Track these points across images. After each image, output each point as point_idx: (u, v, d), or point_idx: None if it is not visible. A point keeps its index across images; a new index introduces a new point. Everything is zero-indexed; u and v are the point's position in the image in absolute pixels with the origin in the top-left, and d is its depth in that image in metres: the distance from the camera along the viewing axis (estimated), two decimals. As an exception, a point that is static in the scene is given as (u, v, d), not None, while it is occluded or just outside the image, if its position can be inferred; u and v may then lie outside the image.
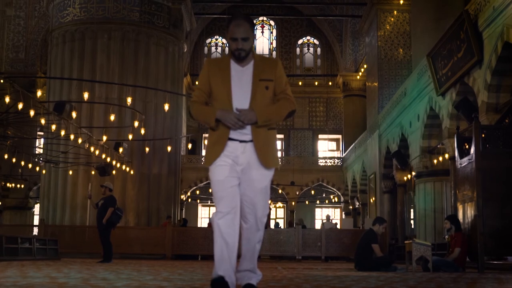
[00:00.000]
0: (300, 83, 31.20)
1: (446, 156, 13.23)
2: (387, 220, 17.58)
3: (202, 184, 28.50)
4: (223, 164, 2.87)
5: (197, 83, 3.00)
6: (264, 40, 32.37)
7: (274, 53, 32.15)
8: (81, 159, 14.80)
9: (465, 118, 10.76)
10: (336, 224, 19.89)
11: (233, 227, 2.87)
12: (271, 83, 2.94)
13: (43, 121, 11.13)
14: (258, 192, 2.93)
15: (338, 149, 31.45)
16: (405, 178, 17.02)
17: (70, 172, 15.54)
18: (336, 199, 29.28)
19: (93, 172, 14.88)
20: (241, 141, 2.89)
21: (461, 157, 7.74)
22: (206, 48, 32.05)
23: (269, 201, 2.81)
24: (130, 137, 13.59)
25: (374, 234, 7.92)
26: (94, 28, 16.16)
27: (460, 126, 9.64)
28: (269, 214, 27.17)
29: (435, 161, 14.16)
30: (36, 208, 23.60)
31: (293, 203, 29.25)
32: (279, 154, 31.76)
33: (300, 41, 32.14)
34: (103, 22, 16.17)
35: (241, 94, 2.91)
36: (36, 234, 14.65)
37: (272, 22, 32.39)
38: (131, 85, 14.98)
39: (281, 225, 29.08)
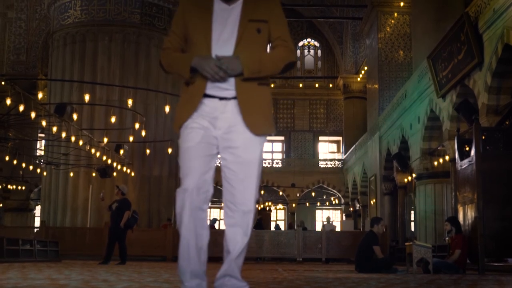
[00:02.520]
0: (300, 85, 31.23)
1: (447, 158, 13.23)
2: (388, 222, 17.63)
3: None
4: (196, 126, 2.25)
5: None
6: (264, 42, 32.39)
7: (274, 55, 32.15)
8: (82, 161, 14.83)
9: (466, 120, 10.77)
10: (335, 226, 19.88)
11: (202, 213, 2.24)
12: (265, 25, 2.28)
13: (44, 123, 11.16)
14: (242, 165, 2.24)
15: (338, 151, 31.46)
16: (406, 180, 17.03)
17: (71, 174, 15.56)
18: (336, 201, 29.29)
19: (94, 174, 14.90)
20: (221, 98, 2.26)
21: (462, 159, 7.74)
22: (206, 50, 32.06)
23: (261, 190, 2.11)
24: (131, 139, 13.61)
25: (374, 236, 7.92)
26: (95, 30, 16.19)
27: (461, 128, 9.65)
28: (269, 215, 27.30)
29: (435, 163, 14.17)
30: (37, 210, 23.62)
31: (293, 205, 29.25)
32: (279, 155, 32.06)
33: (300, 43, 32.18)
34: (104, 24, 16.20)
35: (225, 39, 2.26)
36: (35, 233, 14.65)
37: (272, 24, 32.42)
38: (132, 87, 15.02)
39: (282, 227, 29.05)
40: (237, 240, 2.26)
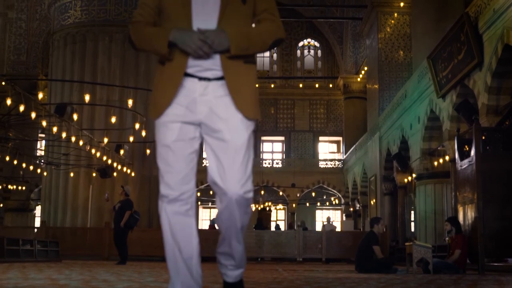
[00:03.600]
0: (300, 85, 31.23)
1: (447, 158, 13.24)
2: (388, 222, 17.64)
3: (203, 186, 28.49)
4: (173, 120, 1.98)
5: None
6: (264, 42, 32.39)
7: (274, 55, 32.20)
8: (82, 161, 14.84)
9: (466, 120, 10.77)
10: (335, 227, 19.88)
11: (188, 220, 2.01)
12: None
13: (44, 123, 11.17)
14: (228, 149, 1.96)
15: (338, 151, 31.46)
16: (406, 180, 17.03)
17: (71, 174, 15.57)
18: (336, 201, 29.30)
19: (94, 174, 14.91)
20: (200, 79, 1.98)
21: (462, 159, 7.75)
22: (207, 50, 32.06)
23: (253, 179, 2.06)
24: (131, 139, 13.62)
25: (374, 235, 7.93)
26: (95, 31, 16.20)
27: (461, 128, 9.65)
28: (269, 215, 27.41)
29: (435, 163, 14.17)
30: (38, 210, 23.62)
31: (293, 205, 29.26)
32: (279, 156, 32.05)
33: (300, 44, 32.18)
34: (104, 24, 16.21)
35: (206, 11, 1.98)
36: (36, 233, 14.67)
37: (272, 24, 32.42)
38: (132, 87, 15.02)
39: (282, 227, 29.06)
40: (234, 218, 2.00)
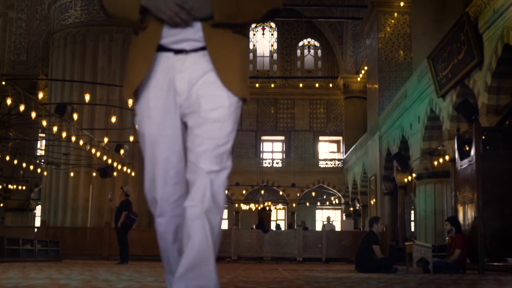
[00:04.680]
0: (300, 85, 31.24)
1: (447, 158, 13.24)
2: (388, 222, 17.64)
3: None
4: (154, 97, 1.72)
5: None
6: (265, 42, 32.42)
7: (275, 55, 32.20)
8: (82, 161, 14.84)
9: (466, 120, 10.78)
10: (334, 226, 19.89)
11: (180, 217, 1.79)
12: None
13: (44, 123, 11.18)
14: (207, 124, 1.70)
15: (338, 151, 31.47)
16: (406, 179, 17.04)
17: (72, 174, 15.57)
18: (336, 200, 29.30)
19: (94, 174, 14.92)
20: (177, 52, 1.70)
21: (462, 159, 7.75)
22: (207, 50, 32.06)
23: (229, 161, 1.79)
24: (131, 138, 13.62)
25: (374, 235, 7.93)
26: (96, 30, 16.21)
27: (461, 128, 9.66)
28: (269, 214, 27.53)
29: (435, 162, 14.18)
30: (38, 210, 23.64)
31: (293, 204, 29.26)
32: (279, 155, 32.06)
33: (300, 43, 32.18)
34: (104, 24, 16.21)
35: None
36: (36, 233, 14.68)
37: (273, 24, 32.45)
38: (132, 87, 15.02)
39: (282, 227, 29.09)
40: (200, 221, 1.64)
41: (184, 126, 1.77)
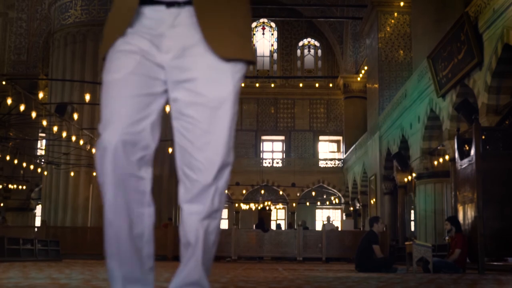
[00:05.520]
0: (300, 84, 31.24)
1: (447, 157, 13.25)
2: (388, 222, 17.65)
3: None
4: (128, 49, 1.45)
5: None
6: (265, 42, 32.43)
7: (275, 54, 32.20)
8: (83, 160, 14.85)
9: (466, 120, 10.79)
10: (334, 226, 19.89)
11: (138, 183, 1.43)
12: None
13: (44, 123, 11.19)
14: (205, 107, 1.43)
15: (338, 150, 31.48)
16: (406, 179, 17.05)
17: (72, 174, 15.59)
18: (336, 200, 29.31)
19: (94, 174, 14.93)
20: (168, 5, 1.46)
21: (462, 158, 7.76)
22: (207, 50, 32.08)
23: (230, 148, 1.47)
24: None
25: (374, 235, 7.94)
26: (96, 30, 16.21)
27: (461, 127, 9.67)
28: (269, 214, 27.58)
29: (435, 162, 14.18)
30: (38, 210, 23.65)
31: (293, 204, 29.27)
32: (279, 155, 32.10)
33: (300, 43, 32.19)
34: (104, 24, 16.22)
35: None
36: (36, 233, 14.69)
37: (273, 24, 32.45)
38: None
39: (282, 226, 29.11)
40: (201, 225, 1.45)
41: (159, 85, 1.46)
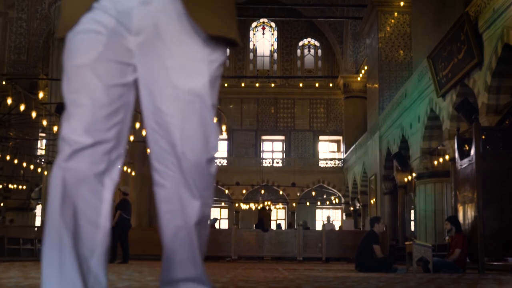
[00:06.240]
0: (300, 84, 31.24)
1: (447, 157, 13.25)
2: (388, 221, 17.65)
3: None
4: (93, 29, 1.25)
5: None
6: (265, 41, 32.43)
7: (275, 54, 32.20)
8: (83, 160, 14.84)
9: (466, 120, 10.79)
10: (334, 226, 19.91)
11: (96, 190, 1.25)
12: None
13: (45, 123, 11.19)
14: (179, 99, 1.25)
15: (338, 150, 31.48)
16: (406, 179, 17.05)
17: (72, 174, 15.58)
18: (336, 200, 29.32)
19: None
20: None
21: (462, 158, 7.76)
22: (207, 50, 32.09)
23: (216, 136, 1.32)
24: (132, 138, 13.62)
25: (375, 235, 7.95)
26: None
27: (461, 127, 9.66)
28: (269, 214, 27.75)
29: (435, 162, 14.18)
30: (38, 209, 23.66)
31: (293, 204, 29.27)
32: (279, 155, 32.11)
33: (300, 43, 32.19)
34: None
35: None
36: (36, 232, 14.70)
37: (273, 24, 32.46)
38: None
39: (282, 226, 29.10)
40: (189, 206, 1.27)
41: (130, 71, 1.28)
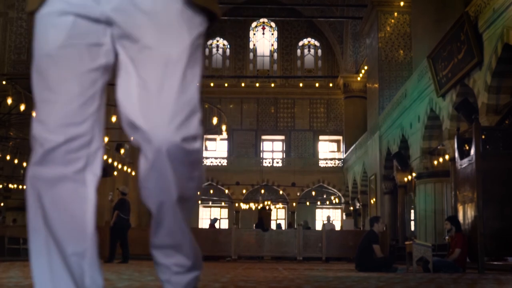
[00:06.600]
0: (301, 84, 31.25)
1: (447, 157, 13.25)
2: (388, 221, 17.66)
3: (203, 185, 28.47)
4: (61, 10, 1.15)
5: None
6: (265, 41, 32.43)
7: (275, 54, 32.21)
8: (83, 160, 14.85)
9: (465, 120, 10.79)
10: (334, 226, 19.93)
11: (76, 190, 1.17)
12: None
13: (45, 123, 11.18)
14: (152, 68, 1.15)
15: (338, 150, 31.49)
16: (406, 179, 17.05)
17: (72, 173, 15.59)
18: (336, 200, 29.32)
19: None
20: None
21: (461, 158, 7.76)
22: (207, 50, 32.12)
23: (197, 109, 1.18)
24: (132, 138, 13.62)
25: (375, 234, 7.95)
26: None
27: (461, 127, 9.67)
28: (269, 214, 27.79)
29: (435, 162, 14.19)
30: (38, 209, 23.62)
31: (294, 204, 29.28)
32: (279, 155, 32.10)
33: (300, 43, 32.20)
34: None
35: None
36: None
37: (273, 24, 32.46)
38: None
39: (283, 226, 29.10)
40: (166, 183, 1.17)
41: (109, 51, 1.20)
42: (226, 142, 30.44)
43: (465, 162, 7.60)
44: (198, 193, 1.28)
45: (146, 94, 1.14)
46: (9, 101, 9.63)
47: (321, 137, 31.41)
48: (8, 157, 14.67)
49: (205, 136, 30.33)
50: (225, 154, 30.51)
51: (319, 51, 32.09)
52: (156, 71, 1.14)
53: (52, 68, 1.15)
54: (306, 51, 32.21)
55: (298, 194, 29.04)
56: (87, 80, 1.17)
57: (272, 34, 32.54)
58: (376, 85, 19.97)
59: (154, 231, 1.24)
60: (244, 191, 28.89)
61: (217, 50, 32.38)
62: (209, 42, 32.15)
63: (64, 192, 1.16)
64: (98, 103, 1.20)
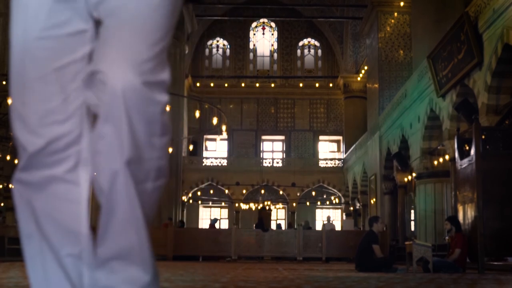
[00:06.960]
0: (301, 84, 31.26)
1: (447, 157, 13.26)
2: (388, 221, 17.66)
3: (203, 185, 28.52)
4: None
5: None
6: (265, 42, 32.44)
7: (275, 54, 32.21)
8: (83, 160, 14.85)
9: (466, 120, 10.79)
10: (334, 226, 19.93)
11: (68, 191, 1.06)
12: None
13: (45, 123, 11.18)
14: (122, 16, 0.98)
15: (338, 150, 31.50)
16: (406, 179, 17.06)
17: (72, 174, 15.59)
18: (337, 200, 29.33)
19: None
20: None
21: (461, 158, 7.77)
22: (207, 50, 32.14)
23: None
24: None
25: (374, 235, 7.95)
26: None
27: (461, 127, 9.67)
28: (269, 214, 27.75)
29: (435, 162, 14.19)
30: (38, 210, 23.64)
31: (294, 204, 29.28)
32: (279, 155, 32.09)
33: (301, 43, 32.21)
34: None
35: None
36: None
37: (273, 24, 32.46)
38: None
39: (283, 226, 29.10)
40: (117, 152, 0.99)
41: (92, 38, 1.04)
42: (226, 142, 30.45)
43: (465, 162, 7.60)
44: (164, 180, 1.10)
45: (112, 38, 0.97)
46: (9, 101, 9.64)
47: (321, 137, 31.42)
48: (8, 157, 14.68)
49: (205, 136, 30.36)
50: (225, 154, 30.51)
51: (319, 51, 32.10)
52: (121, 20, 0.98)
53: (28, 62, 1.02)
54: (306, 51, 32.22)
55: (298, 194, 29.04)
56: (69, 73, 1.02)
57: (272, 34, 32.54)
58: (376, 85, 19.98)
59: (101, 234, 1.02)
60: (244, 191, 28.89)
61: (217, 50, 32.39)
62: (209, 42, 32.16)
63: (55, 194, 1.06)
64: (82, 100, 1.04)
